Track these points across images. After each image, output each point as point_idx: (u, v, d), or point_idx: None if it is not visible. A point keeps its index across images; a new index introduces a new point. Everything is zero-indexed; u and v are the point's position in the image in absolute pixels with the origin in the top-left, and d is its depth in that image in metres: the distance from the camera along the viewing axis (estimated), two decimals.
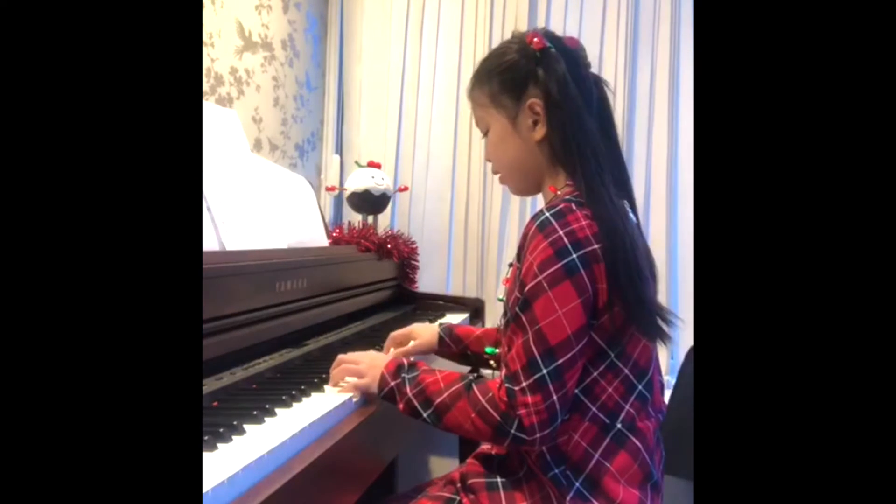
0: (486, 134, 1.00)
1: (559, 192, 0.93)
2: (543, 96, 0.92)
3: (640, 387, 0.89)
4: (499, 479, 0.92)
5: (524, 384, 0.83)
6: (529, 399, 0.82)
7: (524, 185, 1.01)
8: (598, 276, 0.85)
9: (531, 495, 0.89)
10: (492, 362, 1.14)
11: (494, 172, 1.02)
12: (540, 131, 0.93)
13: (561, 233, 0.85)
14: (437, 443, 2.12)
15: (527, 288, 0.85)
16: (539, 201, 0.99)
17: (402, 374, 0.92)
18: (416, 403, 0.89)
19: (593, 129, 0.93)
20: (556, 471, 0.87)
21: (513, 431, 0.83)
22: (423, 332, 1.22)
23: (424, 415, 0.88)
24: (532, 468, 0.90)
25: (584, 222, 0.86)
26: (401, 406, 0.91)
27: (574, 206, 0.87)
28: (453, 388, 0.88)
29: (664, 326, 0.89)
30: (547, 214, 0.86)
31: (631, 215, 0.94)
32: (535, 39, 0.93)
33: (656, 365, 0.94)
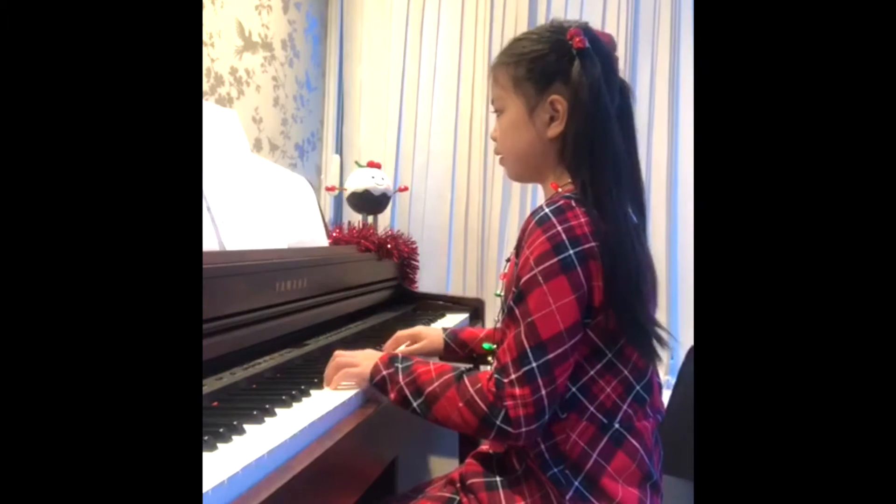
0: (498, 113, 0.98)
1: (561, 189, 0.92)
2: (570, 96, 0.90)
3: (638, 387, 0.89)
4: (498, 479, 0.92)
5: (513, 376, 0.82)
6: (517, 391, 0.82)
7: (523, 172, 1.00)
8: (594, 274, 0.84)
9: (530, 495, 0.89)
10: (490, 358, 1.14)
11: (497, 153, 1.01)
12: (555, 129, 0.92)
13: (559, 228, 0.84)
14: (437, 443, 2.12)
15: (522, 281, 0.85)
16: (540, 198, 0.99)
17: (396, 364, 0.92)
18: (407, 392, 0.89)
19: (618, 139, 0.90)
20: (555, 470, 0.87)
21: (498, 423, 0.82)
22: (429, 334, 1.22)
23: (414, 404, 0.88)
24: (531, 467, 0.90)
25: (582, 219, 0.85)
26: (392, 395, 0.91)
27: (574, 204, 0.87)
28: (444, 378, 0.88)
29: (657, 346, 0.89)
30: (546, 210, 0.86)
31: (636, 221, 0.92)
32: (577, 38, 0.90)
33: (654, 366, 0.93)
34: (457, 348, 1.19)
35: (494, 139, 1.00)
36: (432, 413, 0.88)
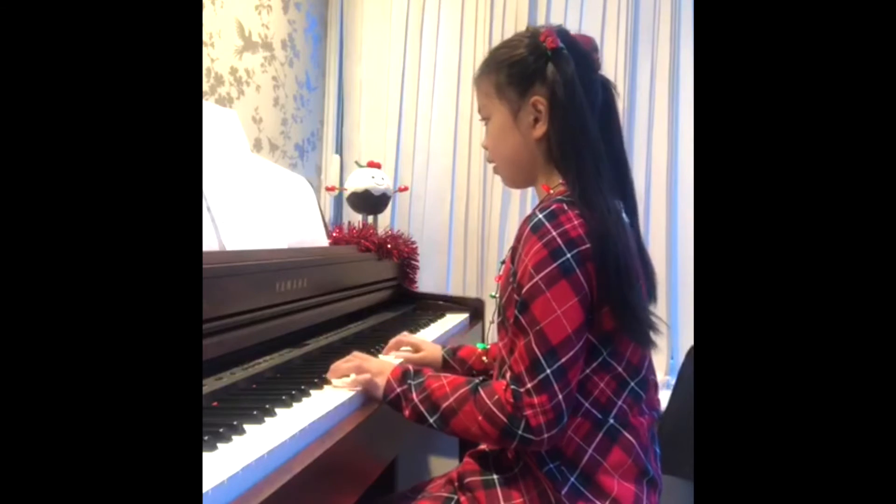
0: (485, 122, 1.00)
1: (552, 191, 0.93)
2: (548, 95, 0.92)
3: (632, 384, 0.90)
4: (495, 477, 0.93)
5: (529, 385, 0.83)
6: (535, 400, 0.83)
7: (517, 177, 1.02)
8: (592, 274, 0.85)
9: (527, 491, 0.89)
10: (484, 358, 1.15)
11: (489, 161, 1.03)
12: (540, 129, 0.94)
13: (554, 234, 0.85)
14: (437, 443, 2.12)
15: (524, 290, 0.86)
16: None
17: (408, 381, 0.92)
18: (422, 409, 0.90)
19: (595, 133, 0.92)
20: (551, 465, 0.88)
21: (520, 433, 0.83)
22: (430, 348, 1.23)
23: (431, 420, 0.89)
24: (528, 463, 0.90)
25: (576, 221, 0.86)
26: (406, 413, 0.91)
27: (566, 207, 0.87)
28: (459, 392, 0.88)
29: (651, 333, 0.90)
30: (540, 216, 0.87)
31: (627, 220, 0.93)
32: (549, 38, 0.93)
33: (649, 364, 0.94)
34: (455, 365, 1.20)
35: (485, 147, 1.02)
36: (450, 427, 0.89)
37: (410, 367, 0.95)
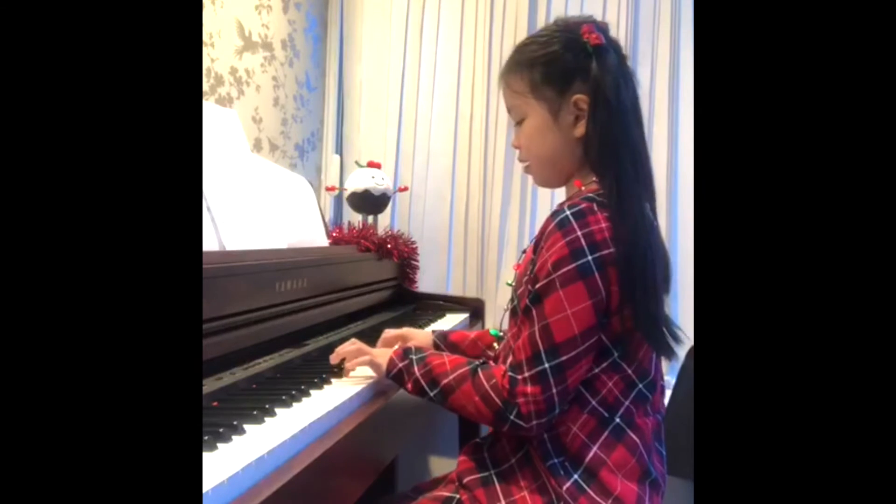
0: (518, 122, 0.97)
1: (584, 188, 0.91)
2: (591, 93, 0.90)
3: (640, 385, 0.90)
4: (492, 473, 0.93)
5: (526, 374, 0.85)
6: (529, 389, 0.84)
7: (553, 177, 0.99)
8: (612, 279, 0.85)
9: (527, 485, 0.89)
10: (495, 345, 1.14)
11: (521, 160, 1.00)
12: (581, 128, 0.91)
13: (579, 233, 0.84)
14: (437, 443, 2.12)
15: (539, 284, 0.86)
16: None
17: (410, 356, 0.95)
18: (423, 383, 0.93)
19: (634, 131, 0.91)
20: (556, 461, 0.88)
21: (512, 418, 0.85)
22: (417, 335, 1.22)
23: (431, 394, 0.92)
24: (532, 453, 0.91)
25: (603, 224, 0.85)
26: (408, 386, 0.94)
27: (596, 207, 0.86)
28: (459, 372, 0.90)
29: (672, 343, 0.90)
30: (567, 213, 0.86)
31: (656, 223, 0.93)
32: (593, 35, 0.90)
33: (658, 367, 0.94)
34: (447, 349, 1.19)
35: (517, 147, 0.99)
36: (448, 402, 0.91)
37: (412, 346, 0.99)
